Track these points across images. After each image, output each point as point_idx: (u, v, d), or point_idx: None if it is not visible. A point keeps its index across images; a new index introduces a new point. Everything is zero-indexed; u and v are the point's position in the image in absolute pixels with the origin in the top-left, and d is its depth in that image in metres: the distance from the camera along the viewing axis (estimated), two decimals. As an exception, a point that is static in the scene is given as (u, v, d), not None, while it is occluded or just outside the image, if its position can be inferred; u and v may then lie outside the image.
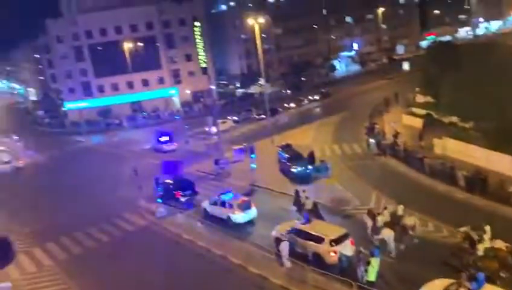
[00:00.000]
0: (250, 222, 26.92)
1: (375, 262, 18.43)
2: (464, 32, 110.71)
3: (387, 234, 21.11)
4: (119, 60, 69.87)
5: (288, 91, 76.81)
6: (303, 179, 32.24)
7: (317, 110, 61.77)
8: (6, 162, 50.52)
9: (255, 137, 46.43)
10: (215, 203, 28.06)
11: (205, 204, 28.85)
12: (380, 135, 38.94)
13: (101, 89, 75.25)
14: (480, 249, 18.82)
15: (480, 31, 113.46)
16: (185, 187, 31.64)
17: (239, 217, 26.69)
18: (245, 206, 26.98)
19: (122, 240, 27.66)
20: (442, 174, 29.63)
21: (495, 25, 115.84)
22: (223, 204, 27.46)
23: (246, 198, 28.07)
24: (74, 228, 29.60)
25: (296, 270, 20.46)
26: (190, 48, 75.57)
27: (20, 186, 44.43)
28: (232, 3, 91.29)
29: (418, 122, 41.30)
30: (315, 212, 25.06)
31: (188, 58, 76.72)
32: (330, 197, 28.19)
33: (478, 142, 31.65)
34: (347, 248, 20.63)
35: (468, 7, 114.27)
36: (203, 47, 69.43)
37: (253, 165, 33.65)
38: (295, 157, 34.85)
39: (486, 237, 19.26)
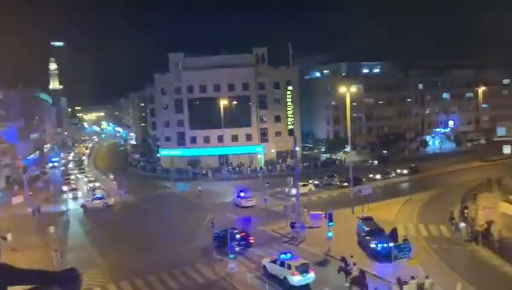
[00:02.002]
0: (307, 286, 26.34)
1: None
2: None
3: None
4: (213, 114, 74.14)
5: (375, 162, 74.85)
6: (382, 256, 30.38)
7: (405, 185, 59.03)
8: (99, 199, 54.64)
9: (334, 204, 45.32)
10: (274, 262, 28.24)
11: (265, 261, 29.18)
12: (472, 221, 35.85)
13: (193, 140, 79.65)
14: None
15: None
16: (241, 239, 33.82)
17: (296, 279, 26.40)
18: (303, 269, 26.67)
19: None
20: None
21: None
22: (282, 264, 27.49)
23: (305, 261, 27.69)
24: (148, 271, 30.55)
25: None
26: (280, 110, 77.94)
27: (106, 223, 47.49)
28: (326, 71, 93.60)
29: (517, 212, 37.50)
30: (361, 281, 24.32)
31: (277, 119, 78.94)
32: (419, 284, 26.01)
33: None
34: None
35: None
36: (293, 110, 71.16)
37: (330, 234, 32.62)
38: (376, 231, 33.19)
39: None
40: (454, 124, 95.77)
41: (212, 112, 74.63)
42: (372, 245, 31.66)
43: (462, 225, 35.42)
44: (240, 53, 78.99)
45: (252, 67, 77.54)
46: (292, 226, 37.34)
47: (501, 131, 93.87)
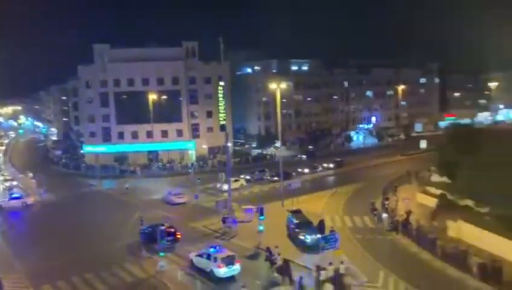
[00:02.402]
0: (233, 278, 27.08)
1: None
2: (483, 116, 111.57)
3: None
4: (142, 109, 71.87)
5: (303, 156, 77.07)
6: (310, 247, 31.42)
7: (331, 178, 61.42)
8: (17, 198, 50.83)
9: (265, 199, 46.03)
10: (201, 256, 28.77)
11: (192, 255, 29.62)
12: (393, 211, 38.20)
13: (120, 136, 76.66)
14: None
15: (500, 117, 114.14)
16: (168, 234, 33.29)
17: (222, 271, 27.13)
18: (229, 261, 27.43)
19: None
20: (454, 259, 28.53)
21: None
22: (208, 257, 28.11)
23: (230, 253, 28.34)
24: (72, 273, 28.98)
25: None
26: (212, 105, 77.48)
27: (24, 224, 44.31)
28: (257, 68, 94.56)
29: (431, 202, 40.53)
30: (285, 270, 25.64)
31: (209, 114, 78.37)
32: (335, 269, 27.22)
33: (494, 229, 30.70)
34: None
35: (489, 93, 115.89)
36: (224, 105, 71.03)
37: (261, 227, 33.08)
38: (304, 224, 34.21)
39: None
40: (376, 120, 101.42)
41: (140, 107, 72.31)
42: (301, 237, 32.61)
43: (384, 215, 37.61)
44: (170, 46, 77.26)
45: (181, 61, 76.19)
46: (224, 221, 37.36)
47: (418, 127, 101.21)
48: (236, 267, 27.67)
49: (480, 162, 31.60)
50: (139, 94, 73.23)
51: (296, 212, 37.06)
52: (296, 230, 33.61)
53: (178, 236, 33.93)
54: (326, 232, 33.06)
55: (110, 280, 28.23)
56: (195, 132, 78.53)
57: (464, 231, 32.61)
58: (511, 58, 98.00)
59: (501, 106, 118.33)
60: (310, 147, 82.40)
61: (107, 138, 76.69)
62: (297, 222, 34.70)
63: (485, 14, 77.12)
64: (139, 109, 72.65)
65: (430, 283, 25.75)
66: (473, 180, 32.29)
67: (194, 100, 78.12)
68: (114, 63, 74.35)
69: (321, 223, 34.32)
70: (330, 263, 26.24)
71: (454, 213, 35.30)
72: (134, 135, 76.40)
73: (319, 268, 25.67)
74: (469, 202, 36.37)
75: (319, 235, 32.29)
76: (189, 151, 76.55)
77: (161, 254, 31.26)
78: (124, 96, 75.54)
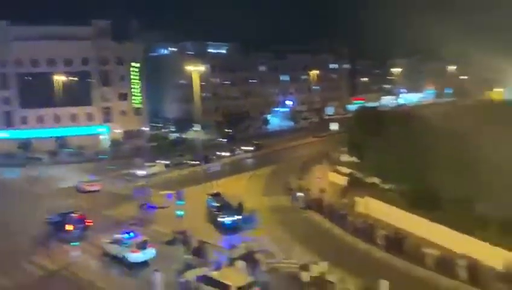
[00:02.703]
0: (146, 263, 26.78)
1: None
2: (388, 100, 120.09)
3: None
4: (48, 92, 66.94)
5: (222, 140, 77.38)
6: (230, 228, 31.89)
7: (250, 161, 62.52)
8: None
9: (185, 183, 45.62)
10: (113, 242, 27.97)
11: (104, 242, 28.65)
12: (307, 190, 39.99)
13: (24, 121, 70.90)
14: None
15: (402, 100, 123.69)
16: (76, 221, 31.85)
17: (134, 256, 26.73)
18: (141, 246, 27.11)
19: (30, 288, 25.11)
20: (363, 232, 30.75)
21: (415, 96, 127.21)
22: (119, 243, 27.48)
23: (143, 238, 28.00)
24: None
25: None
26: (125, 88, 74.38)
27: None
28: (173, 49, 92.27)
29: (342, 181, 43.12)
30: (200, 251, 26.32)
31: (123, 97, 75.24)
32: (247, 247, 27.98)
33: (397, 204, 33.51)
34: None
35: (393, 78, 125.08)
36: (139, 87, 68.61)
37: (180, 212, 32.78)
38: (224, 206, 34.58)
39: None
40: (292, 104, 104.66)
41: (46, 89, 67.31)
42: (221, 219, 32.95)
43: (299, 194, 39.26)
44: (79, 25, 72.35)
45: (91, 40, 71.83)
46: (141, 207, 36.44)
47: (330, 110, 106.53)
48: (150, 252, 27.37)
49: (385, 142, 34.14)
50: (45, 75, 68.08)
51: (216, 195, 37.29)
52: (216, 213, 33.86)
53: (88, 224, 32.61)
54: (246, 214, 33.85)
55: (18, 276, 26.27)
56: (107, 115, 75.01)
57: (370, 207, 35.19)
58: (413, 47, 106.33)
59: (403, 90, 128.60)
60: (228, 130, 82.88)
61: (8, 123, 70.47)
62: (217, 204, 34.94)
63: (392, 5, 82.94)
64: (45, 92, 67.66)
65: (341, 255, 27.50)
66: (379, 159, 34.81)
67: (106, 82, 74.40)
68: (15, 41, 67.99)
69: (240, 205, 34.93)
70: (242, 242, 27.37)
71: (362, 190, 37.91)
72: (40, 120, 71.10)
73: (232, 247, 26.54)
74: (375, 180, 39.22)
75: (238, 217, 32.91)
76: (102, 137, 73.10)
77: (73, 243, 29.78)
78: (27, 78, 69.68)
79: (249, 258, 25.28)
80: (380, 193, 36.72)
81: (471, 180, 25.05)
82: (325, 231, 32.73)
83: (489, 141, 23.23)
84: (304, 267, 23.47)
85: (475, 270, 23.73)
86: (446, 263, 24.89)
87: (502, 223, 25.78)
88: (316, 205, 36.99)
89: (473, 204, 27.41)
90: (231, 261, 25.12)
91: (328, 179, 45.48)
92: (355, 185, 40.52)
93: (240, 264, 24.37)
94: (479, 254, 24.88)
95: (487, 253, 24.80)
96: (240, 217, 33.08)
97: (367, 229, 30.64)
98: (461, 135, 26.73)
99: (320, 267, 23.54)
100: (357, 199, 36.69)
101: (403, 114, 49.75)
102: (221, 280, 21.56)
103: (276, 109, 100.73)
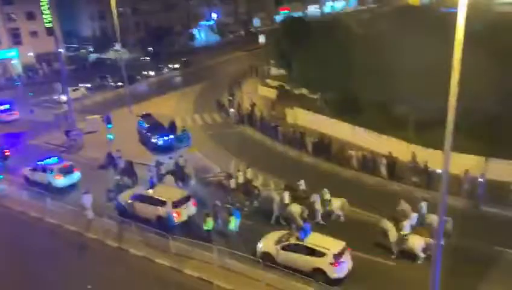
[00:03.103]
0: (74, 186, 26.90)
1: (233, 220, 20.51)
2: (313, 9, 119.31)
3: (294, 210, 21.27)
4: None
5: (146, 58, 73.98)
6: (164, 148, 31.88)
7: (178, 79, 60.96)
8: None
9: (111, 106, 43.94)
10: (35, 169, 27.55)
11: (26, 171, 28.07)
12: (238, 105, 40.35)
13: None
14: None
15: (327, 9, 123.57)
16: None
17: (60, 181, 26.71)
18: (66, 171, 27.05)
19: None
20: (293, 141, 32.24)
21: (339, 5, 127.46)
22: (43, 169, 27.10)
23: (67, 163, 27.83)
24: None
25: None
26: (32, 5, 66.83)
27: None
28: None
29: (272, 94, 43.86)
30: (129, 171, 26.77)
31: (30, 16, 67.92)
32: (192, 166, 28.53)
33: (323, 112, 35.09)
34: (189, 209, 22.06)
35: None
36: (48, 4, 61.90)
37: (110, 136, 31.95)
38: (156, 127, 34.13)
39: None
40: (217, 17, 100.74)
41: None
42: (154, 140, 32.70)
43: (231, 110, 39.57)
44: None
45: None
46: (67, 134, 34.93)
47: (256, 22, 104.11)
48: (76, 176, 27.27)
49: (311, 53, 34.58)
50: None
51: (146, 116, 36.54)
52: (148, 134, 33.44)
53: (7, 154, 31.15)
54: (179, 133, 33.79)
55: None
56: (15, 37, 67.96)
57: (300, 117, 36.58)
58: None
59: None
60: (152, 47, 79.00)
61: None
62: (148, 125, 34.40)
63: None
64: None
65: (273, 163, 28.91)
66: (306, 70, 35.44)
67: (8, 0, 66.29)
68: None
69: (172, 124, 34.68)
70: (170, 157, 27.92)
71: (292, 101, 39.03)
72: None
73: (158, 163, 26.74)
74: (304, 91, 40.33)
75: (171, 136, 32.81)
76: (13, 61, 66.77)
77: (-1, 177, 28.45)
78: None
79: (178, 173, 26.03)
80: (308, 103, 38.03)
81: (391, 84, 26.52)
82: (258, 143, 33.82)
83: (407, 46, 24.34)
84: (231, 176, 24.67)
85: (394, 167, 26.19)
86: (369, 163, 27.15)
87: (417, 123, 28.14)
88: (248, 119, 37.66)
89: (392, 107, 29.38)
90: (160, 177, 25.62)
91: (259, 93, 45.98)
92: (285, 97, 41.50)
93: (169, 179, 25.06)
94: (397, 152, 27.28)
95: (404, 151, 27.27)
96: (173, 136, 33.00)
97: (297, 138, 32.11)
98: (380, 41, 27.68)
99: (248, 174, 24.92)
100: (287, 110, 37.80)
101: (327, 23, 50.07)
102: (156, 197, 22.13)
103: (201, 22, 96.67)
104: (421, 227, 19.05)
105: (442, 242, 16.13)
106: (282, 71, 46.71)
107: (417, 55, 23.15)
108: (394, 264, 18.23)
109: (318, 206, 21.48)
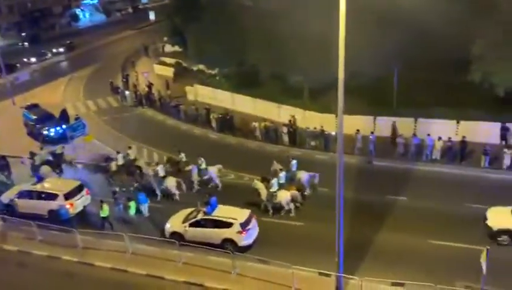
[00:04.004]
0: None
1: (133, 205, 20.67)
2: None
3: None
4: None
5: (25, 44, 67.24)
6: (58, 140, 29.65)
7: (64, 64, 56.50)
8: None
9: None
10: None
11: None
12: (134, 87, 38.81)
13: None
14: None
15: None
16: None
17: None
18: None
19: None
20: (196, 119, 32.03)
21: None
22: None
23: None
24: None
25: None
26: None
27: None
28: None
29: (169, 72, 42.80)
30: (4, 167, 25.24)
31: None
32: (90, 155, 27.07)
33: (224, 87, 35.24)
34: (83, 199, 21.55)
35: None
36: None
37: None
38: (45, 118, 31.55)
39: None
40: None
41: None
42: (45, 132, 30.29)
43: (127, 92, 37.89)
44: None
45: None
46: None
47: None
48: None
49: (205, 28, 34.16)
50: None
51: (33, 107, 33.56)
52: (37, 126, 30.82)
53: None
54: (72, 121, 31.60)
55: None
56: None
57: (200, 93, 36.33)
58: None
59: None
60: (30, 31, 71.80)
61: None
62: (35, 117, 31.67)
63: None
64: None
65: (181, 142, 28.42)
66: (201, 45, 35.01)
67: None
68: None
69: (64, 113, 32.25)
70: (41, 148, 26.57)
71: (190, 78, 38.54)
72: None
73: (32, 154, 25.50)
74: (201, 67, 39.96)
75: (63, 126, 30.58)
76: None
77: None
78: None
79: (58, 162, 25.44)
80: (208, 78, 37.86)
81: (285, 55, 27.42)
82: (160, 124, 33.05)
83: (297, 17, 25.19)
84: (111, 159, 24.52)
85: (294, 134, 27.44)
86: (271, 132, 28.09)
87: (311, 91, 29.64)
88: (146, 100, 36.46)
89: (288, 77, 30.51)
90: (35, 168, 24.39)
91: (155, 72, 44.57)
92: (183, 75, 40.82)
93: (45, 169, 24.15)
94: (297, 120, 28.57)
95: (302, 117, 28.65)
96: (65, 126, 30.77)
97: (199, 115, 31.95)
98: (271, 13, 28.28)
99: (131, 155, 24.69)
100: (187, 88, 37.26)
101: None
102: (46, 191, 21.18)
103: (83, 1, 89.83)
104: (291, 183, 20.97)
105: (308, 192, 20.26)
106: (177, 48, 45.68)
107: (307, 25, 24.12)
108: (296, 224, 19.27)
109: (195, 176, 22.41)
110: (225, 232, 17.80)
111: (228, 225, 17.83)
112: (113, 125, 32.87)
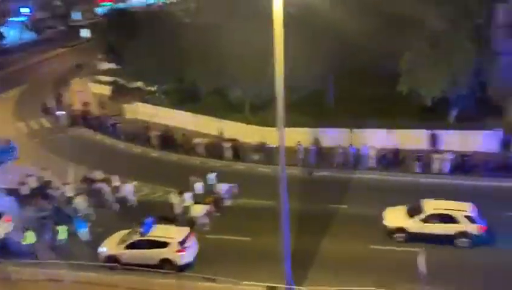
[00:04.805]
0: None
1: (62, 230, 19.32)
2: (136, 0, 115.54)
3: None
4: None
5: None
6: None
7: (-11, 85, 53.06)
8: None
9: None
10: None
11: None
12: (69, 106, 37.26)
13: None
14: None
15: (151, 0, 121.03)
16: None
17: None
18: None
19: None
20: (136, 137, 31.24)
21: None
22: None
23: None
24: None
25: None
26: None
27: None
28: None
29: (106, 90, 41.52)
30: None
31: None
32: (14, 179, 25.35)
33: (163, 104, 34.76)
34: (3, 227, 20.08)
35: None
36: None
37: None
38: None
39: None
40: (30, 12, 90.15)
41: None
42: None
43: (60, 112, 36.23)
44: None
45: None
46: None
47: (77, 16, 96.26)
48: None
49: (142, 44, 33.63)
50: None
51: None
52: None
53: None
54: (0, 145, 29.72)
55: None
56: None
57: (140, 111, 35.57)
58: None
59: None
60: None
61: None
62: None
63: None
64: None
65: (117, 162, 27.63)
66: (138, 62, 34.35)
67: None
68: None
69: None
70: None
71: (129, 96, 37.62)
72: None
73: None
74: (140, 84, 39.13)
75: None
76: None
77: None
78: None
79: None
80: (147, 96, 37.17)
81: (224, 70, 27.61)
82: (97, 143, 31.90)
83: (234, 32, 25.52)
84: (23, 183, 23.31)
85: (237, 149, 27.56)
86: (214, 148, 28.00)
87: (252, 105, 30.02)
88: (82, 119, 35.09)
89: (229, 92, 30.70)
90: None
91: (91, 91, 43.04)
92: (121, 92, 39.73)
93: None
94: (239, 135, 28.75)
95: (244, 132, 28.87)
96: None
97: (139, 134, 31.23)
98: (209, 29, 28.44)
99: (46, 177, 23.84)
100: (126, 105, 36.35)
101: (154, 13, 49.33)
102: None
103: (11, 19, 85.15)
104: (209, 195, 21.48)
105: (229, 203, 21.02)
106: (113, 65, 44.50)
107: (244, 40, 24.53)
108: (242, 239, 19.14)
109: (109, 195, 22.23)
110: (163, 252, 17.39)
111: (165, 244, 17.46)
112: (47, 147, 31.22)
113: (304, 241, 17.76)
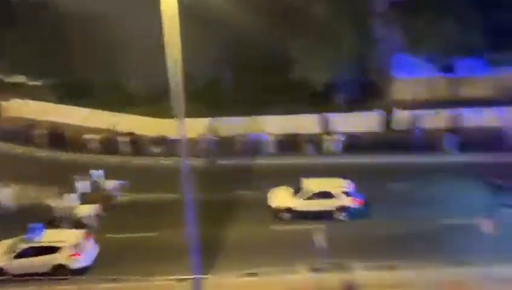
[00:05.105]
0: None
1: None
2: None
3: None
4: None
5: None
6: None
7: None
8: None
9: None
10: None
11: None
12: None
13: None
14: None
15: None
16: None
17: None
18: None
19: None
20: (18, 137, 28.47)
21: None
22: None
23: None
24: None
25: None
26: None
27: None
28: None
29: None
30: None
31: None
32: None
33: (50, 99, 32.09)
34: None
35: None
36: None
37: None
38: None
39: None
40: None
41: None
42: None
43: None
44: None
45: None
46: None
47: None
48: None
49: (23, 35, 30.50)
50: None
51: None
52: None
53: None
54: None
55: None
56: None
57: (22, 108, 32.41)
58: None
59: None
60: None
61: None
62: None
63: None
64: None
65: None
66: (19, 55, 31.21)
67: None
68: None
69: None
70: None
71: (8, 92, 34.05)
72: None
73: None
74: (21, 79, 35.60)
75: None
76: None
77: None
78: None
79: None
80: (30, 91, 33.93)
81: (119, 62, 26.31)
82: None
83: (128, 23, 24.36)
84: None
85: (135, 142, 26.58)
86: (109, 143, 26.67)
87: (149, 97, 29.07)
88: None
89: (124, 84, 29.38)
90: None
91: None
92: (-1, 89, 35.82)
93: None
94: (136, 128, 27.73)
95: (142, 125, 27.95)
96: None
97: (22, 132, 28.56)
98: (103, 19, 26.78)
99: None
100: (4, 103, 32.90)
101: (34, 3, 45.07)
102: None
103: None
104: (97, 193, 20.85)
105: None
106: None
107: (136, 31, 23.59)
108: (146, 235, 18.57)
109: None
110: (55, 258, 16.34)
111: (57, 249, 16.40)
112: None
113: (211, 231, 17.83)
